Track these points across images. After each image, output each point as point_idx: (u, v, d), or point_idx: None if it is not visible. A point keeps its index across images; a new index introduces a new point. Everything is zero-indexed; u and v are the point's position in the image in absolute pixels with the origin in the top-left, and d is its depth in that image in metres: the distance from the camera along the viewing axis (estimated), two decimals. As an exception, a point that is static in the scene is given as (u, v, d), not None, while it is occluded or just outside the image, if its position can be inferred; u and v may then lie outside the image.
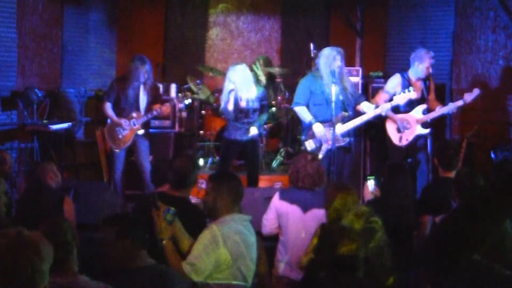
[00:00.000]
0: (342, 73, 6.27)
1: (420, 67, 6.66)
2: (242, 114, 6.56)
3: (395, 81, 6.75)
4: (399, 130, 6.70)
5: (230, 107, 6.53)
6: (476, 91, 6.61)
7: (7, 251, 2.27)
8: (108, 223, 3.24)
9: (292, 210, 4.64)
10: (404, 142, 6.67)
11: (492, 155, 7.26)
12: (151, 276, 3.08)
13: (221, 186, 3.82)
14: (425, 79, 6.78)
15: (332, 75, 6.08)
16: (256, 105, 6.60)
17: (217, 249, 3.61)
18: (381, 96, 6.74)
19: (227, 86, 6.61)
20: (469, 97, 6.59)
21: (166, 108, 6.85)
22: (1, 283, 2.25)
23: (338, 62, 6.19)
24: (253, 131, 6.54)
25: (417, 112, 6.67)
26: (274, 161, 8.18)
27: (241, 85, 6.53)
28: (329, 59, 6.19)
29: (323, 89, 6.17)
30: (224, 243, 3.63)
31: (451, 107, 6.72)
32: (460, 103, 6.64)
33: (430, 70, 6.71)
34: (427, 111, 6.70)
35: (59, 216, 4.72)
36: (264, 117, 6.79)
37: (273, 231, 4.78)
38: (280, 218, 4.70)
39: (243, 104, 6.53)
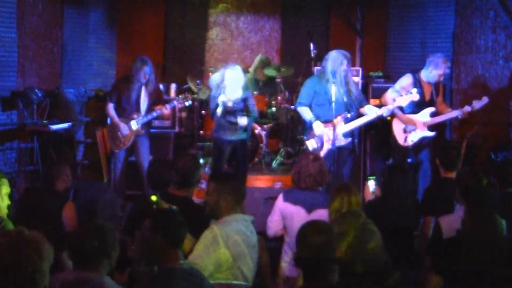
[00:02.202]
0: (347, 76, 6.34)
1: (433, 72, 6.67)
2: (229, 114, 6.60)
3: (406, 81, 6.75)
4: (405, 131, 6.70)
5: (219, 110, 6.56)
6: (485, 99, 6.60)
7: (7, 250, 2.27)
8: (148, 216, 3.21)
9: (296, 211, 4.65)
10: (409, 143, 6.67)
11: (492, 155, 7.26)
12: (184, 279, 3.04)
13: (223, 186, 3.82)
14: (435, 82, 6.77)
15: (333, 76, 6.17)
16: (241, 105, 6.65)
17: (217, 249, 3.62)
18: (390, 95, 6.72)
19: (216, 90, 6.67)
20: (477, 104, 6.58)
21: (166, 111, 6.85)
22: (1, 282, 2.25)
23: (344, 66, 6.26)
24: (242, 121, 6.58)
25: (425, 115, 6.65)
26: (274, 161, 8.18)
27: (231, 85, 6.56)
28: (336, 62, 6.26)
29: (327, 90, 6.20)
30: (224, 243, 3.63)
31: (458, 112, 6.70)
32: (468, 109, 6.63)
33: (442, 78, 6.71)
34: (435, 114, 6.69)
35: (57, 218, 4.75)
36: (254, 114, 6.81)
37: (278, 232, 4.80)
38: (285, 219, 4.71)
39: (229, 104, 6.56)
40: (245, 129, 6.69)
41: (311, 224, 3.17)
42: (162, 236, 3.08)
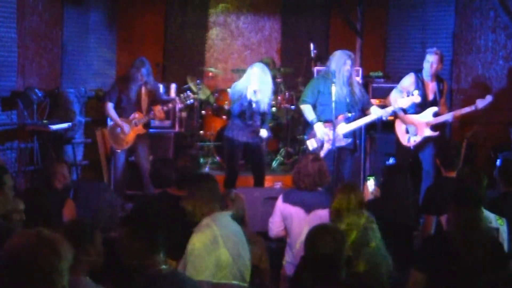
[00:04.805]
0: (351, 77, 6.33)
1: (423, 65, 6.64)
2: (248, 114, 6.49)
3: (408, 80, 6.72)
4: (407, 131, 6.69)
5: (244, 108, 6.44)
6: (488, 98, 6.51)
7: (25, 251, 2.26)
8: (123, 222, 3.17)
9: (295, 212, 4.66)
10: (412, 143, 6.65)
11: (492, 155, 7.26)
12: (168, 284, 2.99)
13: (197, 188, 3.80)
14: (439, 81, 6.74)
15: (333, 75, 6.18)
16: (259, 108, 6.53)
17: (218, 249, 3.62)
18: (394, 95, 6.70)
19: (246, 85, 6.43)
20: (481, 103, 6.52)
21: (159, 113, 6.85)
22: (19, 282, 2.24)
23: (347, 66, 6.24)
24: (264, 133, 6.52)
25: (428, 115, 6.60)
26: (274, 161, 8.18)
27: (261, 86, 6.42)
28: (339, 62, 6.25)
29: (331, 90, 6.18)
30: (224, 244, 3.64)
31: (462, 112, 6.67)
32: (471, 108, 6.58)
33: (433, 68, 6.58)
34: (438, 113, 6.65)
35: (58, 217, 4.75)
36: (269, 117, 6.78)
37: (279, 233, 4.81)
38: (285, 220, 4.73)
39: (253, 105, 6.44)
40: (259, 131, 6.58)
41: (321, 227, 3.19)
42: (140, 243, 3.00)
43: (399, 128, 6.76)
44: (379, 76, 8.35)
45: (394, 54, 8.82)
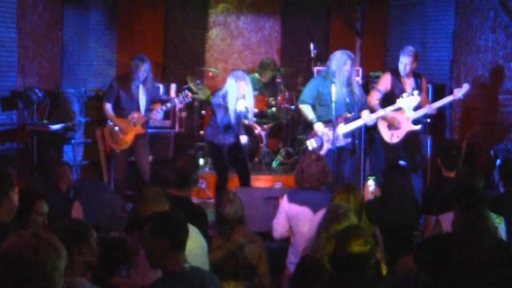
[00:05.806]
0: (351, 77, 6.33)
1: (398, 65, 6.70)
2: (235, 126, 6.49)
3: (384, 78, 6.83)
4: (389, 128, 6.73)
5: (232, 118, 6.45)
6: (465, 86, 6.61)
7: (26, 250, 2.26)
8: (147, 220, 3.16)
9: (302, 212, 4.65)
10: (395, 140, 6.70)
11: (492, 155, 7.25)
12: (191, 281, 2.99)
13: (155, 193, 3.95)
14: (416, 77, 6.78)
15: (333, 76, 6.19)
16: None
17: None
18: (373, 95, 6.79)
19: (235, 99, 6.42)
20: (458, 92, 6.59)
21: (154, 115, 6.81)
22: (20, 282, 2.24)
23: (347, 67, 6.24)
24: (244, 139, 6.52)
25: (408, 109, 6.63)
26: (274, 161, 8.18)
27: (248, 99, 6.45)
28: (339, 62, 6.25)
29: (331, 90, 6.18)
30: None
31: (441, 102, 6.72)
32: (450, 98, 6.65)
33: (408, 68, 6.67)
34: (418, 108, 6.66)
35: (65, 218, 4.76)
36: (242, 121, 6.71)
37: (284, 234, 4.81)
38: (291, 220, 4.72)
39: (241, 118, 6.51)
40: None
41: (354, 227, 3.22)
42: (164, 240, 3.00)
43: (381, 126, 6.79)
44: (379, 76, 8.33)
45: (394, 54, 8.78)
